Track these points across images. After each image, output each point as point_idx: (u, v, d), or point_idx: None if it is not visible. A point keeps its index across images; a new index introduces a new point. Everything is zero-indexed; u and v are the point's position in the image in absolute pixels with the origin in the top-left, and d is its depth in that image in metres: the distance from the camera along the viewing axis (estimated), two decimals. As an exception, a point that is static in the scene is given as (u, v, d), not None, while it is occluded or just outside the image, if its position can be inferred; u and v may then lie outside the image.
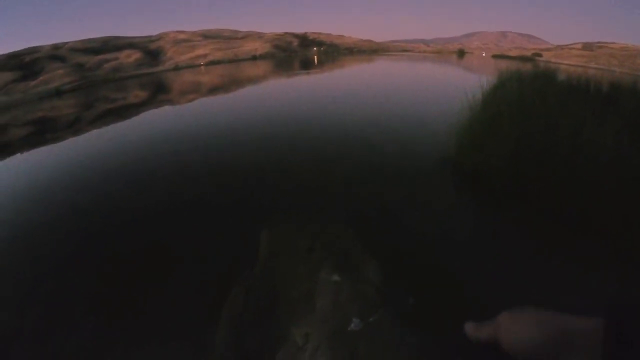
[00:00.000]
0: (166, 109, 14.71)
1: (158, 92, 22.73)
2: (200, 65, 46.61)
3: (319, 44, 71.73)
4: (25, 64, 39.88)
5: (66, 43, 48.90)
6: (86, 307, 3.12)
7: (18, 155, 9.29)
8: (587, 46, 56.18)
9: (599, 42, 57.02)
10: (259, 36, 70.19)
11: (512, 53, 57.34)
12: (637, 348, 0.34)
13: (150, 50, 52.79)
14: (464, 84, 6.78)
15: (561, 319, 0.42)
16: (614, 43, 54.73)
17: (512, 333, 0.45)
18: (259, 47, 59.21)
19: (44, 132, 12.48)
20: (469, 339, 0.50)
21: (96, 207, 5.17)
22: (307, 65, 35.75)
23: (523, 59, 40.18)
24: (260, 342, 2.50)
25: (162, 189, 5.61)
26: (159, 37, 61.71)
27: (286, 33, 73.64)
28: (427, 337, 2.22)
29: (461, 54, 58.01)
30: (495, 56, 51.83)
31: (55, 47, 46.96)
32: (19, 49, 45.02)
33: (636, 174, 3.45)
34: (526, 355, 0.43)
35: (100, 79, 36.86)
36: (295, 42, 68.50)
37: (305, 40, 72.01)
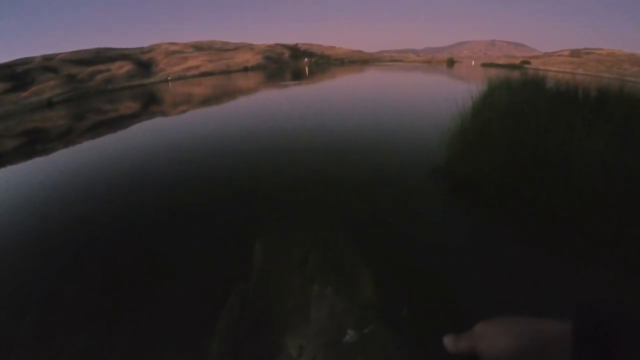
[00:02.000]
0: (158, 120, 14.69)
1: (150, 103, 22.70)
2: (191, 76, 46.60)
3: (310, 55, 72.23)
4: (17, 74, 39.64)
5: (58, 54, 48.71)
6: (82, 317, 3.09)
7: (12, 165, 9.21)
8: (574, 53, 57.11)
9: (586, 49, 58.01)
10: (250, 47, 70.50)
11: (501, 61, 58.09)
12: (603, 347, 0.35)
13: (142, 62, 52.78)
14: (454, 93, 6.85)
15: (535, 325, 0.43)
16: (600, 49, 55.71)
17: (489, 342, 0.45)
18: (250, 59, 59.43)
19: (36, 143, 12.40)
20: (449, 352, 0.50)
21: (92, 215, 5.13)
22: (298, 76, 35.97)
23: (512, 66, 40.70)
24: (255, 353, 2.48)
25: (157, 199, 5.57)
26: (151, 48, 61.77)
27: (277, 44, 74.07)
28: (421, 348, 2.20)
29: (451, 63, 58.66)
30: (484, 64, 52.40)
31: (47, 58, 46.75)
32: (10, 59, 44.58)
33: (626, 177, 3.50)
34: None
35: (93, 90, 36.69)
36: (287, 54, 68.83)
37: (297, 52, 72.47)
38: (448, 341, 0.51)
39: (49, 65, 43.93)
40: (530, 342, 0.41)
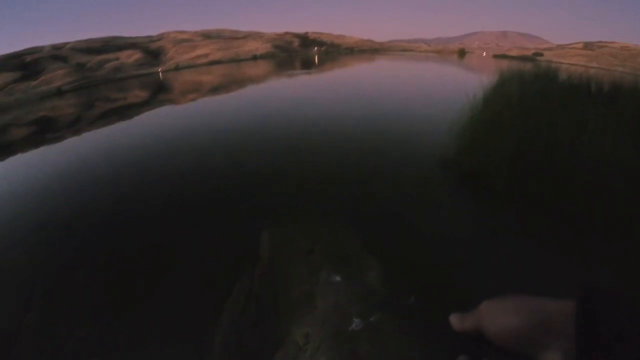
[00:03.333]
0: (167, 108, 14.73)
1: (159, 92, 22.73)
2: (200, 65, 46.50)
3: (320, 43, 71.55)
4: (27, 64, 39.87)
5: (67, 43, 48.86)
6: (86, 308, 3.13)
7: (20, 155, 9.31)
8: (588, 45, 56.09)
9: (599, 42, 56.92)
10: (260, 36, 70.05)
11: (513, 53, 57.11)
12: (605, 325, 0.36)
13: (151, 50, 52.75)
14: (465, 84, 6.77)
15: (539, 303, 0.43)
16: (614, 42, 54.65)
17: (494, 321, 0.46)
18: (259, 47, 59.06)
19: (45, 131, 12.49)
20: (454, 331, 0.51)
21: (97, 207, 5.19)
22: (307, 65, 35.69)
23: (524, 58, 40.03)
24: (260, 342, 2.51)
25: (163, 189, 5.61)
26: (160, 37, 61.71)
27: (287, 33, 73.45)
28: (428, 337, 2.22)
29: (462, 53, 57.72)
30: (495, 56, 51.61)
31: (56, 47, 46.93)
32: (20, 49, 44.81)
33: (636, 173, 3.46)
34: (508, 342, 0.44)
35: (102, 78, 36.85)
36: (296, 42, 68.30)
37: (306, 40, 71.86)
38: (454, 320, 0.52)
39: (58, 54, 44.09)
40: (534, 319, 0.42)
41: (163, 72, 40.61)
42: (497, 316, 0.46)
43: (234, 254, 3.65)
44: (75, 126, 12.51)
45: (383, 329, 2.36)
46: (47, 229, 4.69)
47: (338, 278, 2.92)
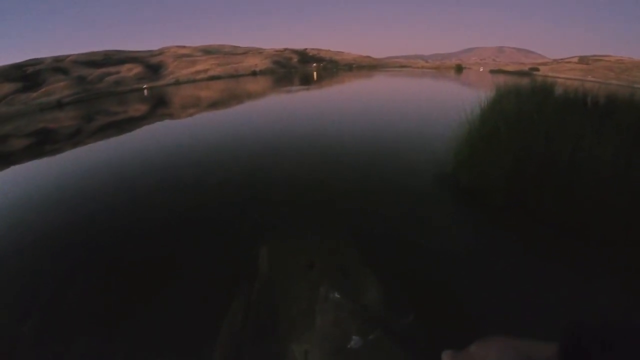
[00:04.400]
0: (166, 122, 14.79)
1: (159, 105, 22.87)
2: (200, 80, 46.89)
3: (319, 60, 72.44)
4: (28, 75, 40.18)
5: (68, 56, 49.35)
6: (84, 320, 3.10)
7: (20, 164, 9.33)
8: (583, 59, 56.88)
9: (595, 56, 57.78)
10: (259, 52, 70.92)
11: (510, 68, 57.90)
12: None
13: (151, 65, 53.28)
14: (462, 99, 6.83)
15: (525, 346, 0.45)
16: (609, 56, 55.47)
17: None
18: (258, 63, 59.70)
19: (45, 143, 12.53)
20: None
21: (96, 218, 5.15)
22: (306, 81, 36.03)
23: (520, 73, 40.53)
24: (259, 358, 2.46)
25: (163, 202, 5.59)
26: (160, 51, 62.41)
27: (286, 49, 74.42)
28: (427, 355, 2.18)
29: (459, 69, 58.41)
30: (492, 71, 52.20)
31: (58, 59, 47.40)
32: (21, 60, 45.20)
33: (635, 186, 3.46)
34: None
35: (102, 92, 37.08)
36: (295, 58, 69.10)
37: (305, 56, 72.76)
38: (446, 357, 0.54)
39: (59, 66, 44.52)
40: None
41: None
42: (487, 357, 0.47)
43: (232, 269, 3.62)
44: (74, 138, 12.56)
45: (382, 347, 2.32)
46: (46, 239, 4.66)
47: (337, 294, 2.89)
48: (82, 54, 51.41)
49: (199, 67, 53.96)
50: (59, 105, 29.30)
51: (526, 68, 54.68)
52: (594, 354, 0.37)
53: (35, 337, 2.94)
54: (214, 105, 19.87)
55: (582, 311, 2.58)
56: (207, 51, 66.72)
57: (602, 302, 2.74)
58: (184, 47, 66.18)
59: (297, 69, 63.12)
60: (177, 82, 44.20)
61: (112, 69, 47.19)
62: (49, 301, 3.41)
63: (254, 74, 53.34)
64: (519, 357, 0.44)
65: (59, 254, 4.32)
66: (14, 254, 4.37)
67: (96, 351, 2.74)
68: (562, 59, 65.02)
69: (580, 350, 0.38)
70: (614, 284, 2.96)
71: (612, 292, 2.86)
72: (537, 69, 51.02)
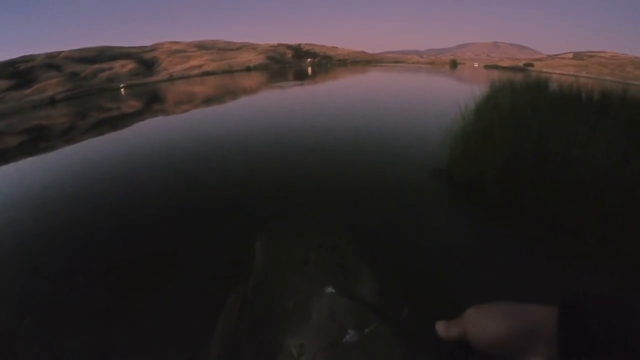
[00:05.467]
0: (159, 119, 14.72)
1: (153, 102, 22.74)
2: (194, 75, 46.61)
3: (313, 55, 72.01)
4: (20, 72, 39.70)
5: (61, 52, 48.80)
6: (82, 316, 3.10)
7: (14, 162, 9.26)
8: (577, 55, 57.05)
9: (589, 52, 57.97)
10: (253, 47, 70.40)
11: (504, 63, 57.95)
12: (589, 331, 0.36)
13: (144, 60, 52.79)
14: (457, 95, 6.85)
15: (523, 309, 0.44)
16: (603, 52, 55.67)
17: (478, 327, 0.46)
18: (253, 59, 59.31)
19: (39, 140, 12.44)
20: (441, 338, 0.51)
21: (93, 215, 5.15)
22: (301, 76, 35.95)
23: (515, 69, 40.65)
24: (255, 353, 2.48)
25: (158, 197, 5.59)
26: (154, 47, 61.82)
27: (280, 44, 73.92)
28: (422, 349, 2.20)
29: (454, 64, 58.36)
30: (487, 66, 52.25)
31: (50, 56, 46.84)
32: (13, 57, 44.67)
33: (629, 181, 3.50)
34: (493, 348, 0.44)
35: (95, 88, 36.75)
36: (289, 54, 68.66)
37: (299, 52, 72.30)
38: (440, 327, 0.53)
39: (52, 63, 44.00)
40: (518, 325, 0.42)
41: (156, 82, 40.53)
42: (482, 323, 0.46)
43: (228, 263, 3.63)
44: (68, 135, 12.49)
45: (377, 341, 2.34)
46: (44, 236, 4.66)
47: (333, 289, 2.91)
48: (75, 50, 50.82)
49: (193, 62, 53.53)
50: (52, 102, 28.99)
51: (521, 64, 54.74)
52: (592, 318, 0.37)
53: (35, 333, 2.94)
54: (208, 101, 19.76)
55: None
56: (201, 47, 66.19)
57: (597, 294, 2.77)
58: (177, 42, 65.61)
59: (292, 64, 62.74)
60: (171, 78, 43.86)
61: (105, 65, 46.64)
62: (49, 297, 3.41)
63: (248, 69, 53.02)
64: (516, 320, 0.43)
65: (55, 250, 4.31)
66: (11, 252, 4.36)
67: (94, 344, 2.75)
68: (556, 55, 65.20)
69: (578, 314, 0.38)
70: (608, 278, 3.00)
71: (606, 287, 2.90)
72: (532, 65, 51.09)
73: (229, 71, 50.82)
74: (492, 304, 0.47)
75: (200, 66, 52.10)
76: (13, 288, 3.65)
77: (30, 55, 45.67)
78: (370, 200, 4.93)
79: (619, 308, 0.37)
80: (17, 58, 44.31)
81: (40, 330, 2.98)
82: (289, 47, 73.30)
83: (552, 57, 65.58)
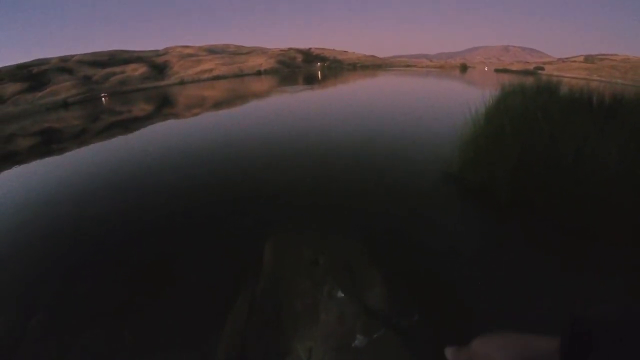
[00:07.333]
0: (171, 122, 14.84)
1: (164, 105, 22.95)
2: (205, 79, 46.98)
3: (323, 59, 72.16)
4: (33, 75, 40.41)
5: (74, 56, 49.62)
6: (90, 315, 3.12)
7: (26, 164, 9.39)
8: (588, 58, 56.49)
9: (600, 54, 57.36)
10: (264, 51, 70.86)
11: (515, 67, 57.52)
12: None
13: (156, 64, 53.41)
14: (467, 99, 6.81)
15: (527, 341, 0.45)
16: (615, 55, 55.01)
17: (485, 357, 0.48)
18: (263, 63, 59.63)
19: (50, 142, 12.61)
20: None
21: (103, 215, 5.19)
22: (311, 80, 35.98)
23: (525, 72, 40.31)
24: (263, 355, 2.48)
25: (168, 199, 5.63)
26: (165, 51, 62.58)
27: (290, 49, 74.25)
28: (431, 354, 2.18)
29: (464, 68, 58.03)
30: (497, 70, 51.90)
31: (63, 59, 47.66)
32: (27, 60, 45.50)
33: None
34: None
35: (107, 91, 37.28)
36: (299, 58, 68.91)
37: (309, 56, 72.54)
38: (449, 353, 0.55)
39: (65, 66, 44.76)
40: (521, 357, 0.44)
41: (167, 86, 40.90)
42: (489, 353, 0.47)
43: (237, 264, 3.64)
44: (80, 137, 12.64)
45: (386, 347, 2.32)
46: (52, 237, 4.71)
47: (342, 292, 2.90)
48: (88, 54, 51.68)
49: (204, 66, 54.01)
50: (65, 105, 29.49)
51: (531, 67, 54.27)
52: (595, 347, 0.37)
53: (41, 333, 2.97)
54: (218, 105, 19.88)
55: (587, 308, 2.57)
56: (212, 51, 66.84)
57: (607, 300, 2.72)
58: (188, 46, 66.31)
59: (302, 68, 62.94)
60: (182, 82, 44.29)
61: (117, 69, 47.35)
62: (55, 297, 3.45)
63: (258, 73, 53.33)
64: (521, 352, 0.44)
65: (64, 251, 4.35)
66: (20, 252, 4.41)
67: (101, 344, 2.77)
68: (567, 58, 64.66)
69: (582, 345, 0.38)
70: (618, 283, 2.95)
71: (617, 291, 2.85)
72: (542, 68, 50.63)
73: (240, 75, 51.18)
74: (499, 334, 0.49)
75: (210, 70, 52.55)
76: (20, 288, 3.69)
77: (44, 59, 46.50)
78: (380, 203, 4.91)
79: (628, 331, 0.36)
80: (31, 61, 45.14)
81: (47, 330, 3.00)
82: (299, 51, 73.59)
83: (563, 60, 65.03)
